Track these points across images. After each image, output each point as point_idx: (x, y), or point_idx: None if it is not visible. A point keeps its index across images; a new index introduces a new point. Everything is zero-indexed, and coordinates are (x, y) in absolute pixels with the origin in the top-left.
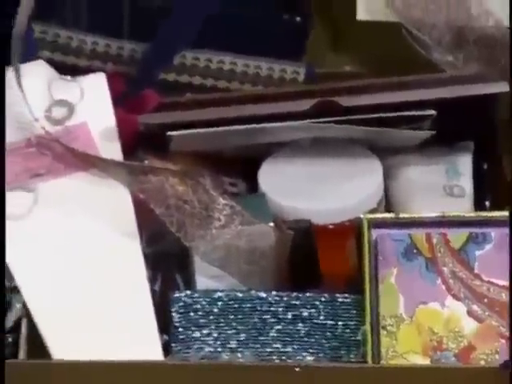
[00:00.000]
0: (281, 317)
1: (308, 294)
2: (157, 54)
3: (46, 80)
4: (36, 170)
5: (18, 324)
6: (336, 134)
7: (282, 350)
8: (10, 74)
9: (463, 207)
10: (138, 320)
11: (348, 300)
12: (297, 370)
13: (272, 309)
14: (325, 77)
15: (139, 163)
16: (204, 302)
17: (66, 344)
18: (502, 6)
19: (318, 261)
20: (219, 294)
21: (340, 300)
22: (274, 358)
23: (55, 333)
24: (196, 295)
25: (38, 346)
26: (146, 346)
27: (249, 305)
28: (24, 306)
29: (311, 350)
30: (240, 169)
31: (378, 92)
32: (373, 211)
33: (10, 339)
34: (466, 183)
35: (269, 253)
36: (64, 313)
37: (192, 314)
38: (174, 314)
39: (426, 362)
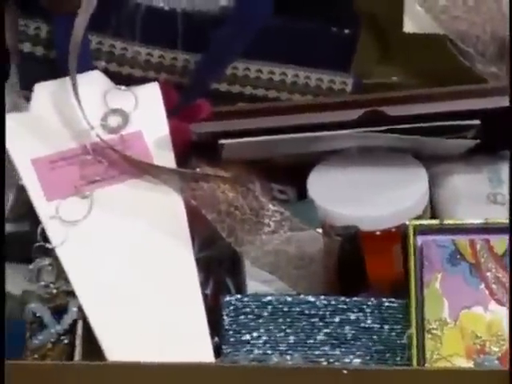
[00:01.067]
0: (329, 320)
1: (355, 299)
2: (209, 65)
3: (101, 89)
4: (92, 176)
5: (73, 326)
6: (383, 142)
7: (329, 352)
8: (67, 83)
9: (506, 214)
10: (190, 323)
11: (394, 304)
12: (344, 372)
13: (320, 313)
14: (372, 87)
15: (192, 170)
16: (254, 306)
17: (119, 346)
18: None
19: (365, 266)
20: (269, 297)
21: (386, 304)
22: (322, 360)
23: (109, 335)
24: (246, 299)
25: (92, 347)
26: (198, 348)
27: (298, 308)
28: (79, 309)
29: (358, 353)
30: (289, 176)
31: (423, 102)
32: (418, 218)
33: (66, 341)
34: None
35: (317, 258)
36: (118, 315)
37: (242, 317)
38: (224, 318)
39: (470, 364)
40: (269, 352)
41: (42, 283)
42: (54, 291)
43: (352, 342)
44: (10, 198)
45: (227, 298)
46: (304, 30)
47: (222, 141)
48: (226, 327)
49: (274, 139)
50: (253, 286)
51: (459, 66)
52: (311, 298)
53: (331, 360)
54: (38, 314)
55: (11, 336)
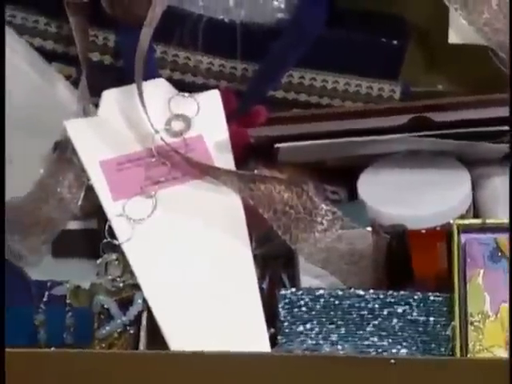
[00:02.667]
0: (377, 313)
1: (402, 293)
2: (266, 74)
3: (165, 96)
4: (156, 177)
5: (138, 317)
6: (429, 146)
7: (378, 343)
8: (133, 90)
9: None
10: (248, 315)
11: (439, 298)
12: (392, 362)
13: (369, 306)
14: (419, 95)
15: (250, 172)
16: (307, 299)
17: (181, 336)
18: None
19: (411, 262)
20: (321, 291)
21: (431, 298)
22: (371, 350)
23: (172, 325)
24: (300, 293)
25: (156, 337)
26: (255, 339)
27: (348, 302)
28: (144, 301)
29: (405, 344)
30: (341, 178)
31: (467, 108)
32: (462, 217)
33: (131, 331)
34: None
35: (367, 255)
36: (180, 307)
37: (296, 309)
38: (280, 310)
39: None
40: (321, 342)
41: (109, 277)
42: (121, 284)
43: (399, 333)
44: (79, 197)
45: (282, 292)
46: (356, 41)
47: (278, 144)
48: (281, 319)
49: (326, 143)
50: (306, 280)
51: (500, 75)
52: (361, 292)
53: (379, 350)
54: (105, 306)
55: (80, 326)
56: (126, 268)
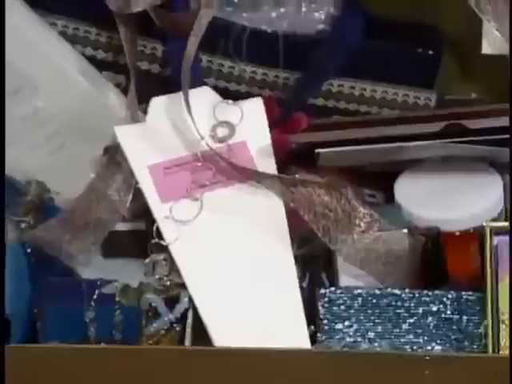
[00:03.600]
0: (413, 311)
1: (437, 292)
2: (307, 82)
3: (211, 103)
4: (202, 181)
5: (184, 315)
6: (462, 152)
7: (413, 340)
8: (180, 97)
9: None
10: (289, 313)
11: (472, 297)
12: (427, 358)
13: (405, 304)
14: (453, 102)
15: (291, 176)
16: (346, 298)
17: (225, 333)
18: None
19: (445, 263)
20: (359, 290)
21: (465, 297)
22: (407, 347)
23: (216, 323)
24: (339, 291)
25: (201, 334)
26: (295, 336)
27: (385, 300)
28: (190, 299)
29: (439, 341)
30: (378, 182)
31: (498, 116)
32: (494, 220)
33: (177, 328)
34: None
35: (403, 255)
36: (224, 305)
37: (335, 308)
38: (319, 308)
39: None
40: (359, 340)
41: (157, 276)
42: (168, 283)
43: (433, 331)
44: (128, 200)
45: (322, 291)
46: (393, 51)
47: (319, 150)
48: (321, 317)
49: (364, 149)
50: (345, 280)
51: None
52: (397, 291)
53: (415, 347)
54: (153, 304)
55: (129, 323)
56: (173, 267)
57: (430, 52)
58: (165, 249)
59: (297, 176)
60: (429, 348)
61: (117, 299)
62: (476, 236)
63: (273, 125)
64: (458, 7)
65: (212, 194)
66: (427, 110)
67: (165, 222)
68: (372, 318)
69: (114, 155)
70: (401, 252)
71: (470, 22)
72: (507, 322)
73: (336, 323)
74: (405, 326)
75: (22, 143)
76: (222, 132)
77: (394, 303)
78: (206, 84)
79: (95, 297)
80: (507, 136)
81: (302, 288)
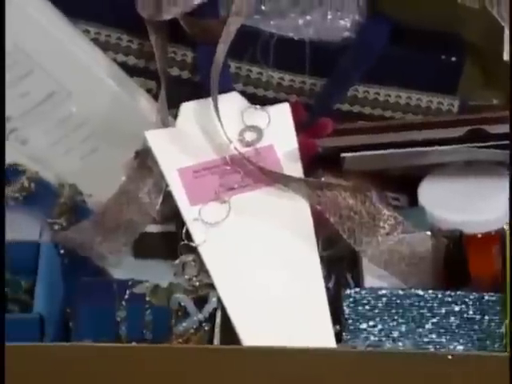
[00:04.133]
0: (436, 311)
1: (459, 292)
2: (333, 88)
3: (239, 108)
4: (230, 184)
5: (213, 314)
6: (484, 156)
7: (436, 340)
8: (209, 103)
9: None
10: (315, 313)
11: (493, 298)
12: (449, 357)
13: (428, 305)
14: (475, 108)
15: (317, 180)
16: (370, 298)
17: (253, 332)
18: None
19: (467, 264)
20: (383, 291)
21: (486, 298)
22: (430, 347)
23: (244, 322)
24: (364, 292)
25: (229, 333)
26: (321, 335)
27: (408, 301)
28: (218, 299)
29: (461, 341)
30: (402, 185)
31: None
32: None
33: (206, 327)
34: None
35: (426, 257)
36: (252, 305)
37: (360, 308)
38: (345, 308)
39: None
40: (383, 339)
41: (186, 277)
42: (197, 284)
43: (456, 330)
44: (158, 202)
45: (347, 291)
46: (416, 58)
47: (344, 154)
48: (346, 317)
49: (389, 153)
50: (369, 280)
51: None
52: (420, 292)
53: (438, 346)
54: (182, 304)
55: (159, 322)
56: (202, 268)
57: (453, 59)
58: (194, 250)
59: (323, 179)
60: (451, 347)
61: (147, 299)
62: (497, 238)
63: (299, 129)
64: (480, 15)
65: (240, 197)
66: (450, 115)
67: (194, 224)
68: (396, 317)
69: (144, 159)
70: (424, 253)
71: (492, 29)
72: None
73: (361, 323)
74: (428, 326)
75: (55, 147)
76: (249, 136)
77: (417, 303)
78: (234, 89)
79: (126, 296)
80: None
81: (327, 288)
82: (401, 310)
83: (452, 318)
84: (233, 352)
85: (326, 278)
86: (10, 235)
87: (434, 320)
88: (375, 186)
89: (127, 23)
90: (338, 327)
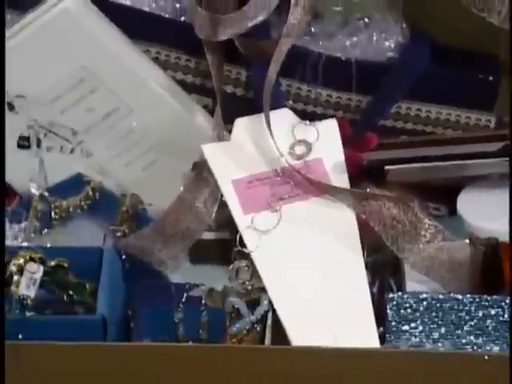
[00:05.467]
0: (473, 315)
1: (495, 297)
2: (378, 105)
3: (289, 124)
4: (281, 194)
5: (265, 317)
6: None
7: (474, 341)
8: (261, 118)
9: None
10: (360, 315)
11: None
12: (486, 358)
13: (466, 308)
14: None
15: (362, 191)
16: (412, 302)
17: (302, 333)
18: None
19: (503, 270)
20: (424, 295)
21: None
22: (468, 347)
23: (294, 324)
24: (406, 296)
25: (280, 334)
26: (366, 336)
27: (448, 304)
28: (270, 302)
29: (497, 342)
30: (442, 196)
31: None
32: None
33: (258, 328)
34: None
35: (464, 263)
36: (301, 308)
37: (402, 311)
38: (388, 311)
39: None
40: (424, 340)
41: (240, 281)
42: (249, 287)
43: (492, 332)
44: (213, 211)
45: (390, 295)
46: (456, 77)
47: (388, 167)
48: (389, 319)
49: (430, 166)
50: (411, 285)
51: None
52: (459, 296)
53: (475, 347)
54: (236, 306)
55: (214, 323)
56: (254, 273)
57: (490, 78)
58: (247, 256)
59: (368, 190)
60: (488, 348)
61: (203, 301)
62: None
63: (346, 143)
64: None
65: (290, 206)
66: (487, 130)
67: (247, 232)
68: (436, 320)
69: (201, 170)
70: (462, 260)
71: None
72: None
73: (403, 325)
74: (466, 328)
75: (118, 159)
76: (299, 150)
77: (456, 307)
78: (285, 106)
79: (184, 299)
80: None
81: (372, 293)
82: (440, 313)
83: (488, 321)
84: (283, 351)
85: (371, 283)
86: (76, 241)
87: (472, 322)
88: (417, 196)
89: (185, 44)
90: (381, 329)
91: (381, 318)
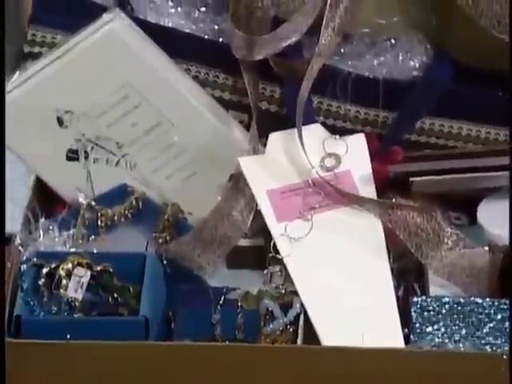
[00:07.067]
0: (492, 317)
1: None
2: (403, 121)
3: (320, 138)
4: (312, 204)
5: (297, 318)
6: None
7: (492, 342)
8: (294, 133)
9: None
10: (386, 317)
11: None
12: (504, 357)
13: (486, 311)
14: None
15: (388, 201)
16: (435, 305)
17: (332, 334)
18: None
19: None
20: (447, 299)
21: None
22: (487, 348)
23: (324, 325)
24: (429, 300)
25: (311, 334)
26: (392, 337)
27: (468, 308)
28: (302, 305)
29: None
30: (463, 206)
31: None
32: None
33: (291, 329)
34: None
35: (484, 269)
36: (331, 310)
37: (426, 313)
38: (412, 314)
39: None
40: (446, 341)
41: (273, 285)
42: (283, 291)
43: (510, 334)
44: (249, 219)
45: (415, 299)
46: (476, 95)
47: (412, 178)
48: (414, 321)
49: (452, 178)
50: (434, 289)
51: None
52: (479, 300)
53: (494, 348)
54: (270, 309)
55: (249, 324)
56: (287, 278)
57: (508, 95)
58: (280, 262)
59: (393, 200)
60: (506, 349)
61: (239, 304)
62: None
63: (373, 157)
64: None
65: (321, 216)
66: (505, 144)
67: (280, 239)
68: (457, 322)
69: (237, 182)
70: (482, 266)
71: None
72: None
73: (426, 326)
74: (485, 330)
75: (160, 171)
76: (329, 162)
77: (476, 310)
78: (316, 121)
79: (221, 302)
80: None
81: (397, 296)
82: (462, 316)
83: (506, 323)
84: (314, 351)
85: (396, 287)
86: (120, 247)
87: (491, 325)
88: (439, 206)
89: (223, 63)
90: (406, 330)
91: (406, 320)
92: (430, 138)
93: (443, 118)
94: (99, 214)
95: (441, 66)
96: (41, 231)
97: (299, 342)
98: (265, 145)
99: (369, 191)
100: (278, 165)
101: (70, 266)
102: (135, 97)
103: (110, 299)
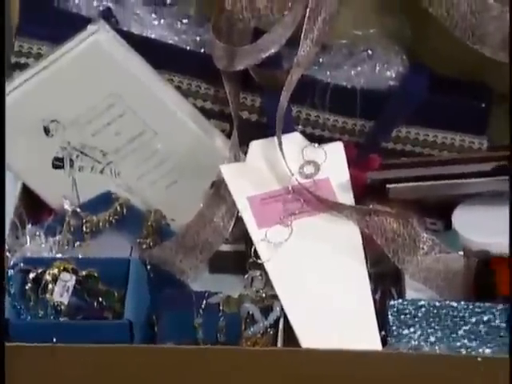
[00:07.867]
0: (467, 320)
1: (487, 304)
2: (380, 129)
3: (299, 146)
4: (292, 210)
5: (277, 322)
6: (508, 188)
7: (468, 344)
8: (274, 141)
9: None
10: (364, 321)
11: None
12: (479, 360)
13: (461, 314)
14: (502, 147)
15: (366, 207)
16: (411, 308)
17: (311, 337)
18: None
19: (495, 280)
20: (423, 302)
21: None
22: (462, 350)
23: (303, 328)
24: (406, 303)
25: (291, 337)
26: (369, 340)
27: (444, 311)
28: (282, 308)
29: (489, 345)
30: (438, 212)
31: None
32: None
33: (271, 332)
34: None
35: (459, 274)
36: (309, 314)
37: (402, 316)
38: (389, 317)
39: None
40: (422, 343)
41: (254, 289)
42: (263, 295)
43: (484, 336)
44: (230, 225)
45: (391, 302)
46: (451, 104)
47: (389, 185)
48: (390, 324)
49: (428, 184)
50: (410, 293)
51: None
52: (454, 303)
53: (469, 350)
54: (250, 312)
55: (230, 328)
56: (268, 282)
57: (482, 105)
58: (261, 266)
59: (371, 207)
60: (480, 351)
61: (221, 308)
62: None
63: (351, 164)
64: (504, 65)
65: (300, 222)
66: (480, 152)
67: (261, 244)
68: (433, 325)
69: (219, 189)
70: (457, 271)
71: None
72: None
73: (403, 329)
74: (460, 332)
75: (143, 178)
76: (308, 170)
77: (451, 313)
78: (295, 130)
79: (203, 305)
80: None
81: (374, 300)
82: (437, 319)
83: (481, 326)
84: (294, 353)
85: (374, 291)
86: (105, 253)
87: (466, 327)
88: (416, 212)
89: (205, 73)
90: (383, 333)
91: (383, 322)
92: (406, 145)
93: (419, 126)
94: (84, 221)
95: (416, 77)
96: (28, 237)
97: (279, 344)
98: (245, 153)
99: (347, 198)
100: (258, 172)
101: (56, 271)
102: (119, 106)
103: (95, 303)
